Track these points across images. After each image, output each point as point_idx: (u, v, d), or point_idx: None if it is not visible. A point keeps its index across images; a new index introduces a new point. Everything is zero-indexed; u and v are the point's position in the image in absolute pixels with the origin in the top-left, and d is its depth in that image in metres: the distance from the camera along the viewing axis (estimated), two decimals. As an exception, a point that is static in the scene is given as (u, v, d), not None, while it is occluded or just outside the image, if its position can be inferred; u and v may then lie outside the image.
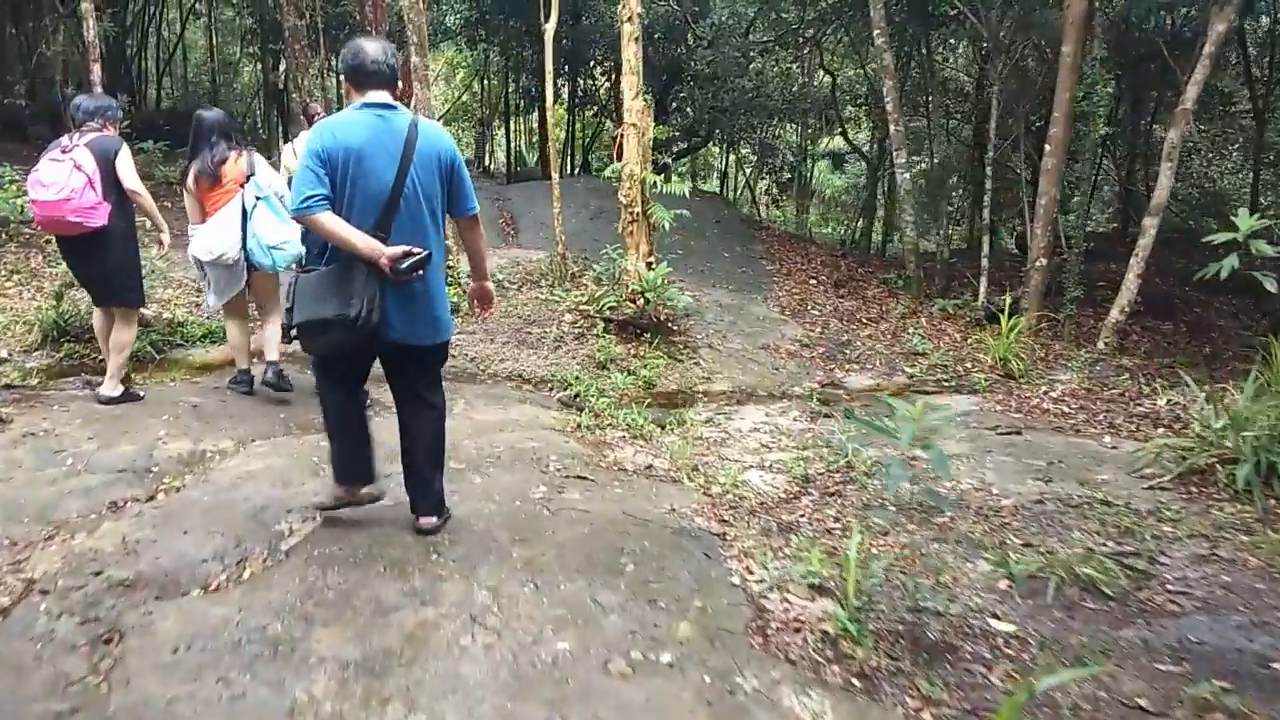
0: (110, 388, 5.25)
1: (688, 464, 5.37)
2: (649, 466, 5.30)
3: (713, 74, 16.94)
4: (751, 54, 16.91)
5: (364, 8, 13.10)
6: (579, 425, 5.99)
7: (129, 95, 16.97)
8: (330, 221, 3.10)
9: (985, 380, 8.22)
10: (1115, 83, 10.80)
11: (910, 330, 9.72)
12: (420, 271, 3.15)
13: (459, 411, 5.95)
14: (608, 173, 8.44)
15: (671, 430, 6.33)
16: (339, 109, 4.20)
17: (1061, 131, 10.40)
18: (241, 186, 5.27)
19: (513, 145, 23.64)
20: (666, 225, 8.11)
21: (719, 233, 12.91)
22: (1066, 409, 7.26)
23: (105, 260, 5.02)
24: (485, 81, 24.15)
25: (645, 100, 8.13)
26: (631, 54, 7.99)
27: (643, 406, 6.69)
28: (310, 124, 8.01)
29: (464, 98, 27.12)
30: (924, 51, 13.28)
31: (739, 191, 21.87)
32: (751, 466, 5.53)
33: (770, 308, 10.06)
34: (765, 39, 16.86)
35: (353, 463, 3.59)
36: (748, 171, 22.45)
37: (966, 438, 6.15)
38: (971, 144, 15.84)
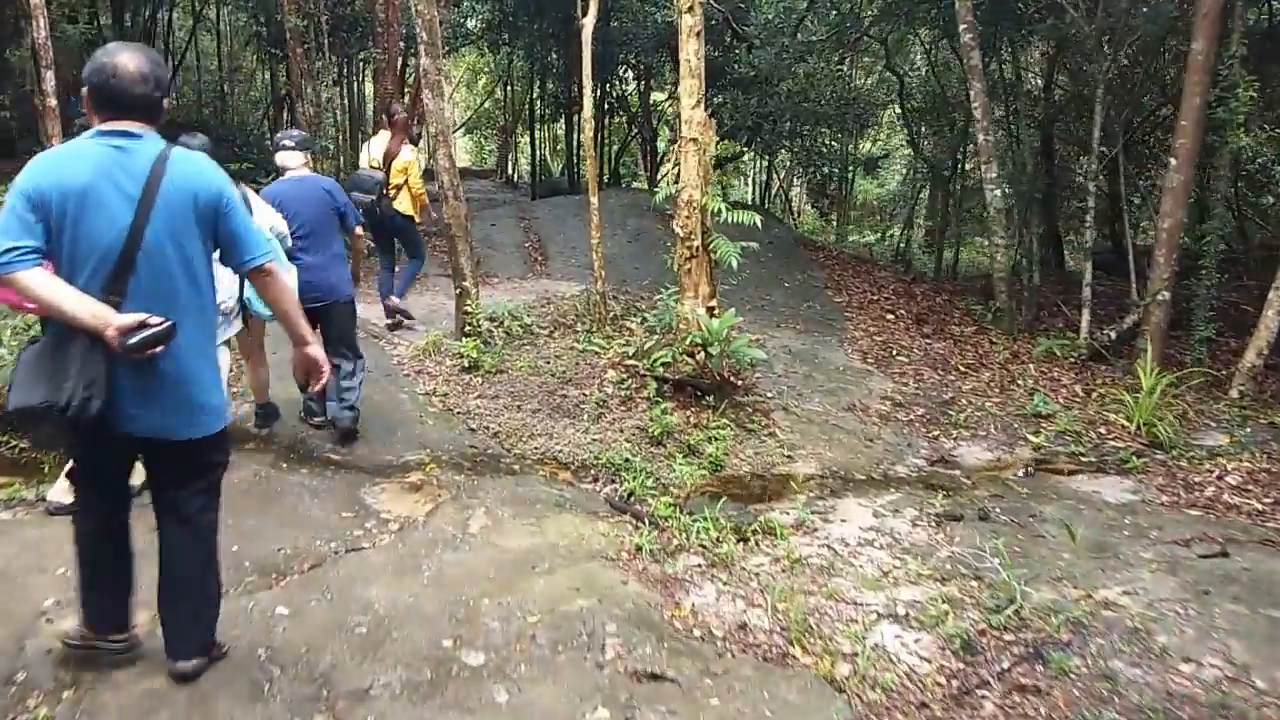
0: (63, 491, 4.13)
1: (796, 620, 3.82)
2: (743, 627, 3.78)
3: (758, 76, 15.41)
4: (802, 54, 15.33)
5: (374, 5, 11.68)
6: (638, 549, 4.45)
7: None
8: (37, 282, 2.47)
9: (1131, 454, 6.60)
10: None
11: (1019, 380, 8.11)
12: (159, 347, 2.53)
13: (476, 533, 4.43)
14: (660, 197, 6.91)
15: (758, 545, 4.78)
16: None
17: (1191, 144, 8.74)
18: None
19: (537, 154, 22.23)
20: (735, 263, 6.55)
21: (774, 256, 11.33)
22: (1260, 503, 5.63)
23: None
24: (509, 87, 22.77)
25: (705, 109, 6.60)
26: (692, 52, 6.45)
27: (714, 503, 5.15)
28: (393, 126, 7.32)
29: (486, 104, 25.86)
30: (1009, 51, 11.63)
31: (772, 202, 20.29)
32: (881, 616, 3.98)
33: (849, 353, 8.48)
34: (815, 38, 15.25)
35: (99, 606, 2.90)
36: (786, 181, 20.92)
37: (1162, 564, 4.54)
38: (1040, 153, 14.26)
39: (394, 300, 7.68)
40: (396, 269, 7.89)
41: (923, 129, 14.53)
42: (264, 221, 4.63)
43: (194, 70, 20.24)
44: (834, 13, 14.06)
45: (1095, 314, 10.77)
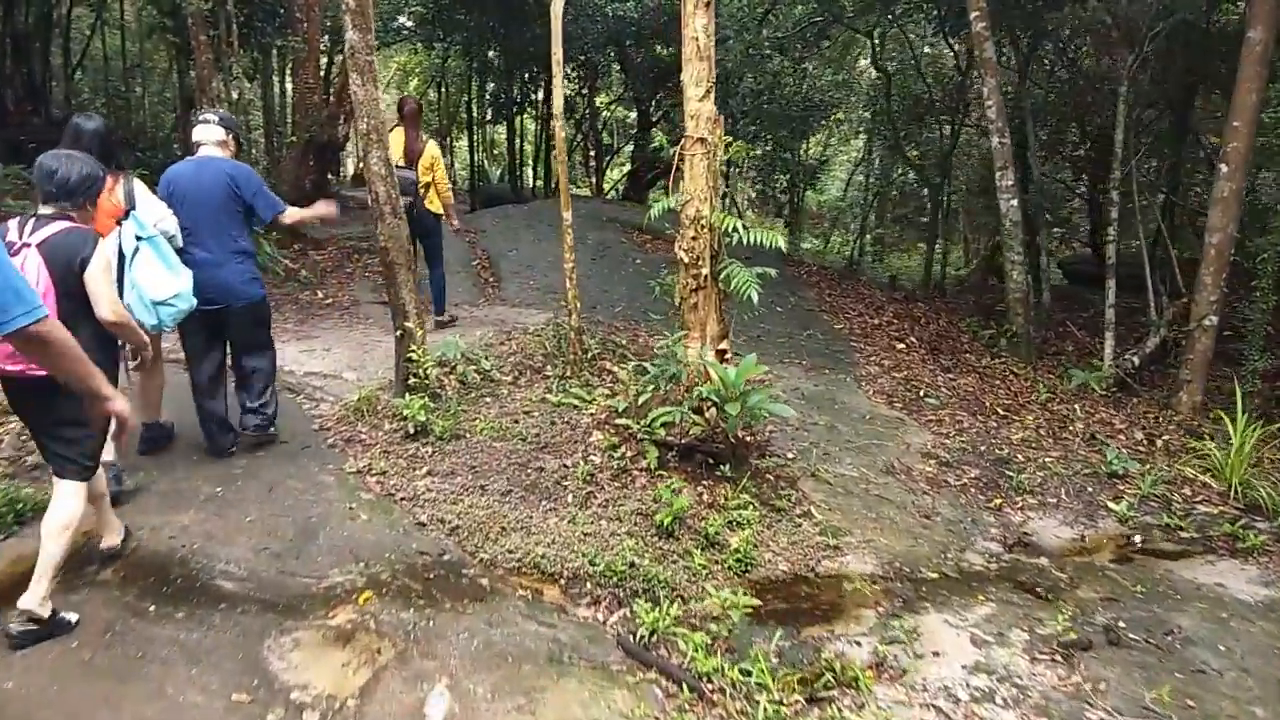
0: (38, 600, 3.21)
1: None
2: None
3: (721, 74, 14.12)
4: (771, 49, 14.06)
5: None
6: (681, 738, 3.01)
7: (31, 105, 13.89)
8: None
9: (1236, 526, 5.40)
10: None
11: (1069, 424, 6.90)
12: None
13: (440, 730, 2.94)
14: (655, 212, 5.47)
15: (834, 703, 3.38)
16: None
17: (1244, 146, 7.67)
18: (118, 223, 4.15)
19: (475, 160, 20.62)
20: (754, 298, 5.14)
21: (758, 275, 9.94)
22: None
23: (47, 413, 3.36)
24: (443, 88, 21.10)
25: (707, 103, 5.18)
26: (700, 28, 5.04)
27: (756, 629, 3.76)
28: (405, 119, 6.80)
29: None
30: (1018, 44, 10.48)
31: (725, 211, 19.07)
32: None
33: (870, 396, 7.14)
34: (781, 34, 14.00)
35: None
36: (731, 187, 19.68)
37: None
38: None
39: (435, 318, 7.20)
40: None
41: (896, 132, 13.27)
42: (149, 218, 4.20)
43: (99, 69, 18.18)
44: (809, 3, 12.76)
45: (1094, 332, 9.76)
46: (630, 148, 21.81)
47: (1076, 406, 7.27)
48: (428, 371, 5.46)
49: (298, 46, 9.79)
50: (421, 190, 6.82)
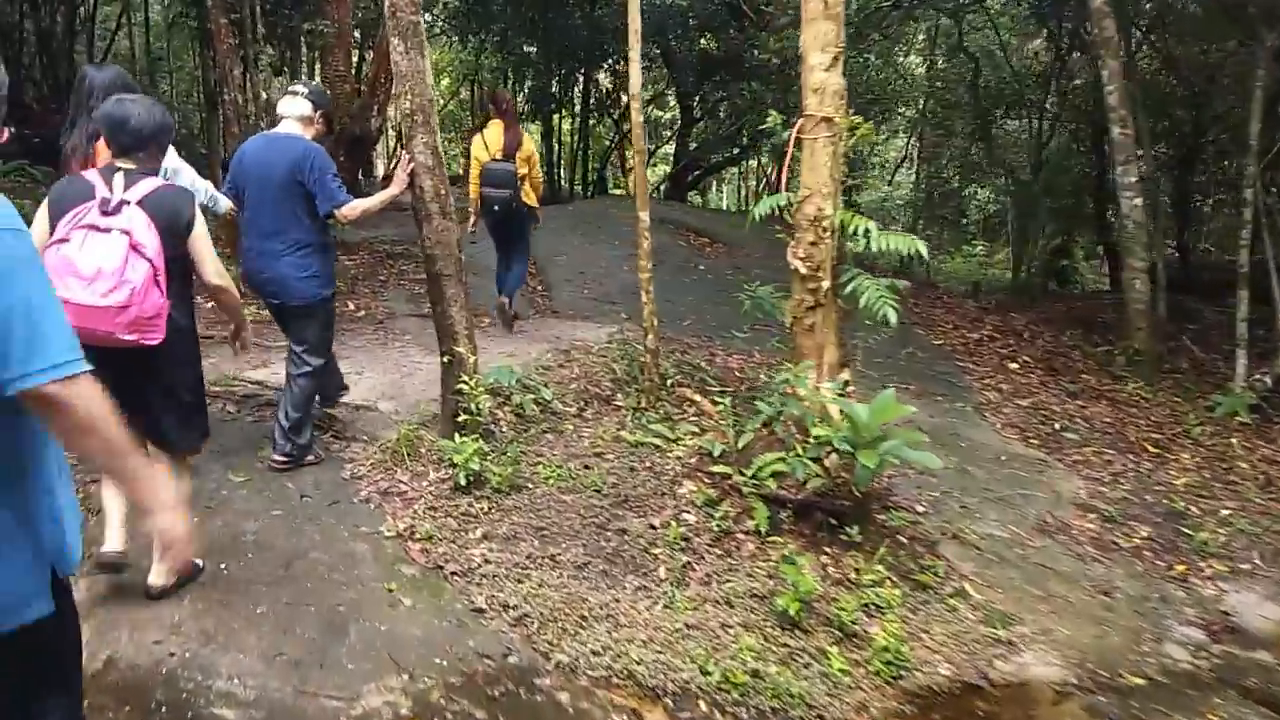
0: (164, 572, 3.20)
1: None
2: None
3: (784, 65, 13.07)
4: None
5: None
6: None
7: (55, 104, 13.21)
8: None
9: None
10: None
11: (1232, 463, 5.79)
12: None
13: None
14: (758, 212, 4.45)
15: None
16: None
17: None
18: None
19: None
20: (893, 318, 4.10)
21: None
22: None
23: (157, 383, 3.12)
24: (477, 85, 20.22)
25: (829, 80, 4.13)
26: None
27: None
28: (504, 115, 6.71)
29: (450, 106, 23.20)
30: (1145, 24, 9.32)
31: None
32: None
33: (996, 428, 6.08)
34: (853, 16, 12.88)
35: None
36: (768, 188, 18.65)
37: None
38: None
39: (504, 301, 6.90)
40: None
41: (985, 125, 12.12)
42: (189, 176, 3.79)
43: (125, 68, 17.43)
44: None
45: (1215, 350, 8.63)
46: (670, 147, 20.85)
47: (1234, 440, 6.15)
48: (480, 405, 4.46)
49: (327, 31, 8.88)
50: (520, 183, 6.63)
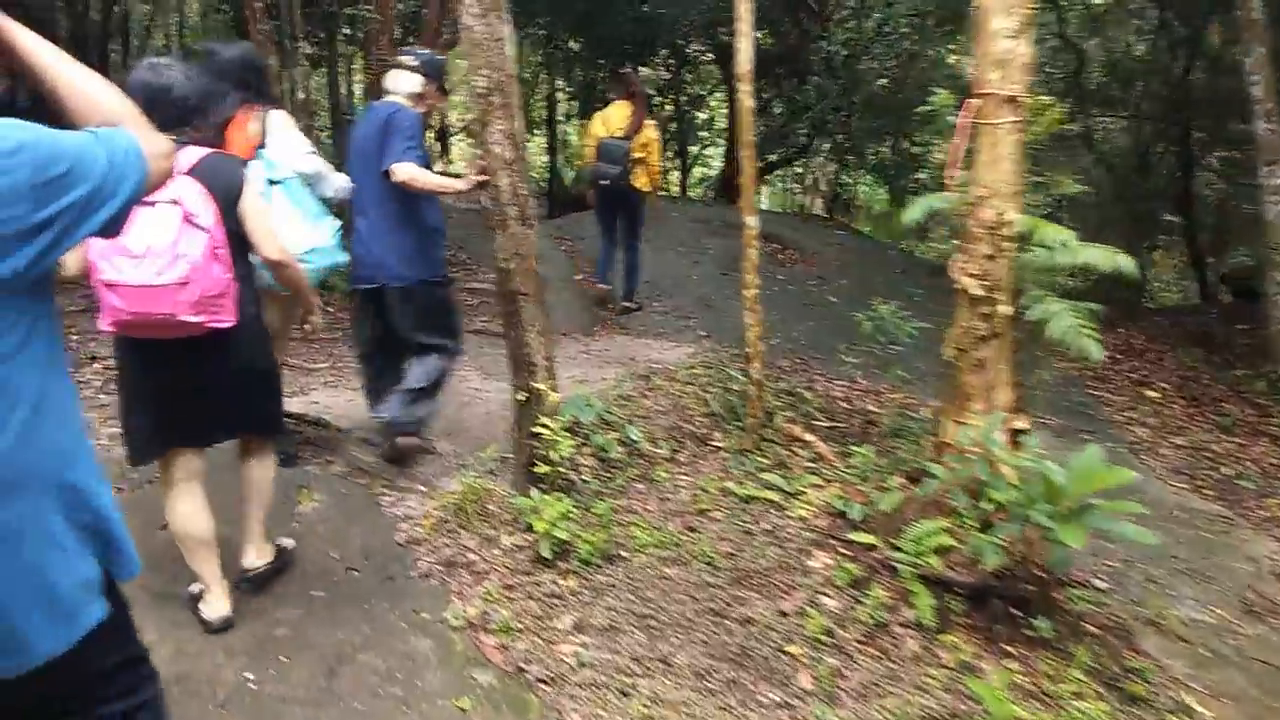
0: (259, 553, 3.13)
1: None
2: None
3: (850, 57, 12.20)
4: (903, 26, 12.07)
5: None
6: None
7: None
8: None
9: None
10: None
11: None
12: None
13: None
14: (914, 214, 3.58)
15: None
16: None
17: None
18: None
19: (557, 162, 18.91)
20: (1096, 353, 3.22)
21: (927, 298, 8.02)
22: None
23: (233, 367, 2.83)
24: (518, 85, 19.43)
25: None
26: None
27: None
28: (633, 98, 6.67)
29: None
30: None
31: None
32: None
33: (1156, 471, 5.15)
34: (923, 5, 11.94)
35: None
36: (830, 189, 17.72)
37: None
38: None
39: (627, 305, 7.15)
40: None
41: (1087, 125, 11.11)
42: (280, 156, 3.45)
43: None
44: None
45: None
46: (719, 147, 20.00)
47: None
48: (559, 449, 3.63)
49: (369, 16, 8.12)
50: (631, 165, 6.59)
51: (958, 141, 3.36)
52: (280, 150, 3.49)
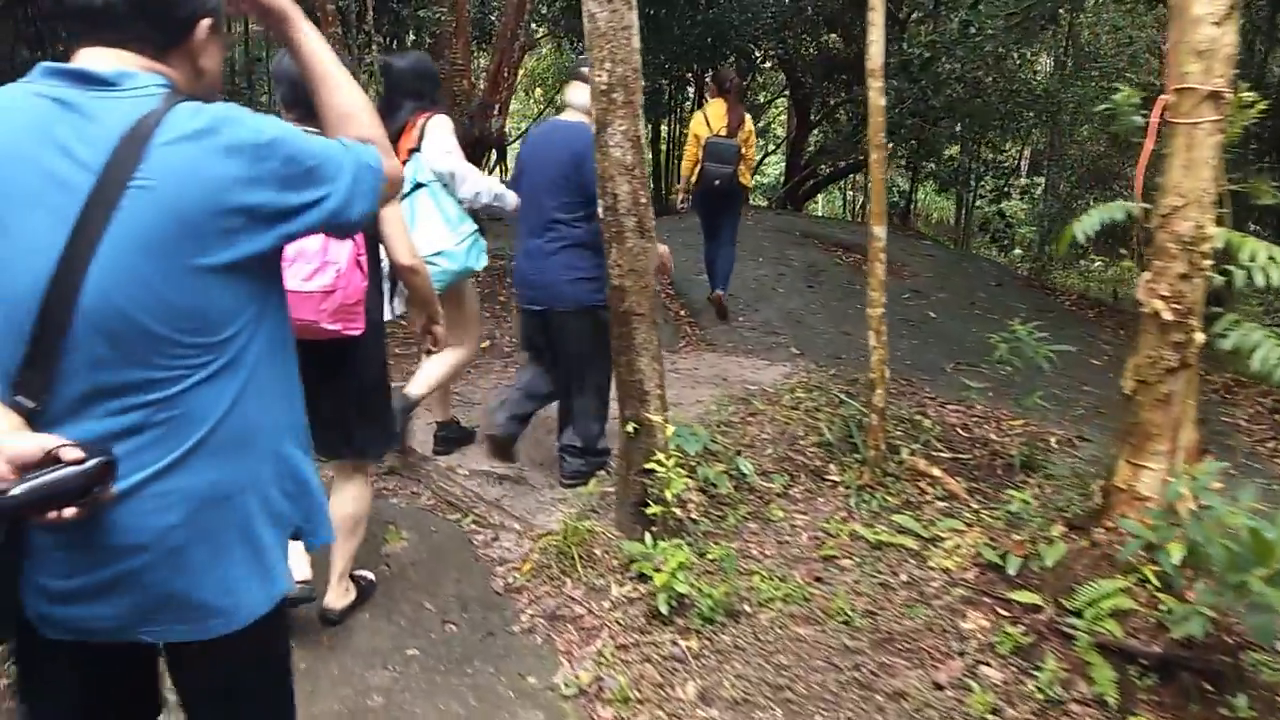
0: (342, 594, 2.92)
1: None
2: None
3: (933, 58, 11.67)
4: (989, 28, 11.51)
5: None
6: None
7: None
8: None
9: None
10: None
11: None
12: (76, 505, 1.13)
13: None
14: (1086, 225, 3.12)
15: None
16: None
17: None
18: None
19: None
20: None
21: (1032, 313, 7.49)
22: None
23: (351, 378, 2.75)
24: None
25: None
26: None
27: None
28: (728, 94, 6.56)
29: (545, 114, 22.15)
30: None
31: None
32: None
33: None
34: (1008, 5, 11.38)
35: None
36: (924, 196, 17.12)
37: None
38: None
39: (719, 294, 6.94)
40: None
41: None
42: (434, 161, 3.43)
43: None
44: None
45: None
46: (775, 155, 19.57)
47: None
48: (674, 491, 3.24)
49: (443, 18, 7.85)
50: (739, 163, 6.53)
51: (1147, 143, 2.91)
52: (431, 153, 3.45)
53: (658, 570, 3.02)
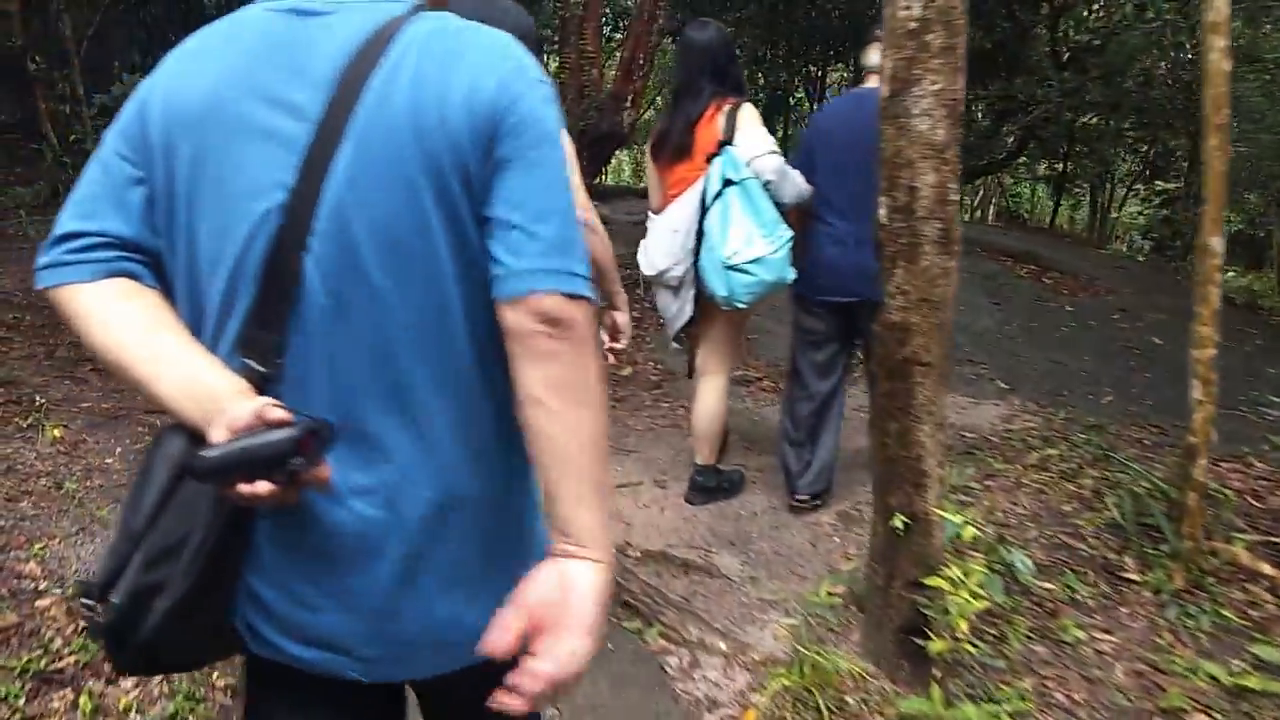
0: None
1: None
2: None
3: (1090, 45, 10.38)
4: (1166, 14, 10.11)
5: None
6: None
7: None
8: (94, 313, 0.94)
9: None
10: None
11: None
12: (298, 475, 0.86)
13: None
14: None
15: None
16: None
17: None
18: (707, 161, 3.12)
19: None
20: None
21: (1260, 333, 6.20)
22: None
23: None
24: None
25: None
26: None
27: None
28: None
29: (647, 115, 21.19)
30: None
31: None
32: None
33: None
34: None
35: None
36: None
37: None
38: None
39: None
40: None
41: None
42: (745, 156, 3.07)
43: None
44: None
45: None
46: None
47: None
48: (964, 618, 2.24)
49: (573, 2, 7.02)
50: None
51: None
52: (746, 148, 3.09)
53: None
